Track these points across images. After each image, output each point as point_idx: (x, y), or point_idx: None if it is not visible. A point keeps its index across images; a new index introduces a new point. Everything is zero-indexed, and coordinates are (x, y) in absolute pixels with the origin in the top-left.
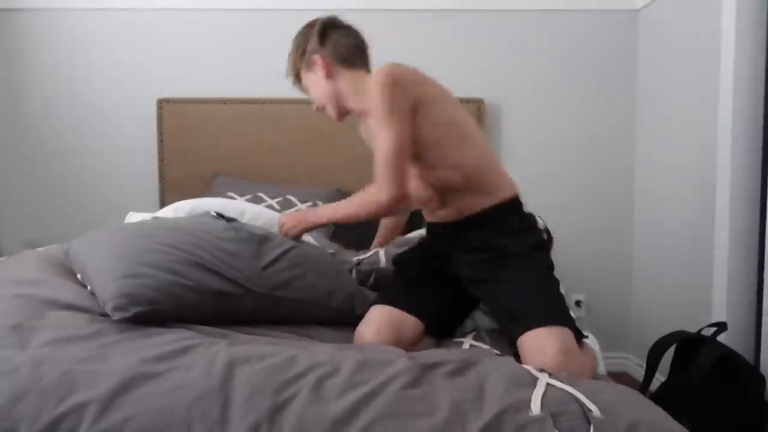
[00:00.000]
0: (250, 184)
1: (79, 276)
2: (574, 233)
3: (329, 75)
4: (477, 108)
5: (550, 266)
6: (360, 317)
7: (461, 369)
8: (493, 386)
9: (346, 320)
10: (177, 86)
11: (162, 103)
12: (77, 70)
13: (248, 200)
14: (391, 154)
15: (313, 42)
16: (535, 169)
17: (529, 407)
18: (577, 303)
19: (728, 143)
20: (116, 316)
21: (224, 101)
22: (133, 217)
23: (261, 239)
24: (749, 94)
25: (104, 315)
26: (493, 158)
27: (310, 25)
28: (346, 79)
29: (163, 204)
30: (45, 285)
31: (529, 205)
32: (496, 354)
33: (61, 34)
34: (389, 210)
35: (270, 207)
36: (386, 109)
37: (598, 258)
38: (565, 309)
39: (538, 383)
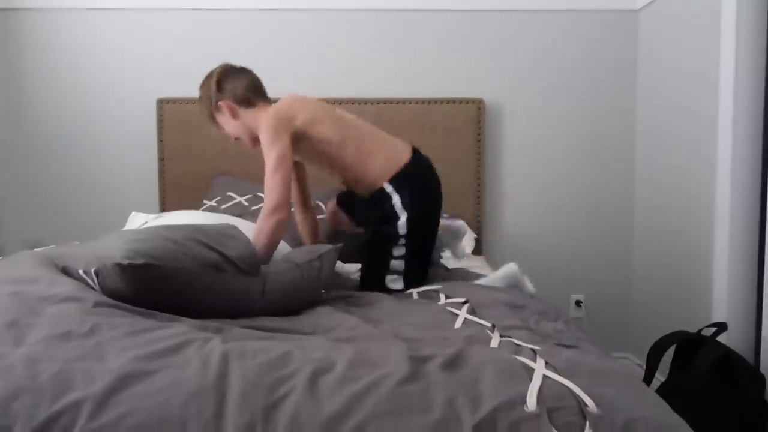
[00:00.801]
0: (251, 185)
1: (81, 271)
2: (574, 233)
3: (234, 117)
4: (477, 108)
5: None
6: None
7: (454, 361)
8: (488, 381)
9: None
10: (177, 86)
11: (162, 103)
12: (77, 70)
13: (248, 200)
14: (272, 172)
15: (213, 91)
16: (535, 168)
17: (525, 402)
18: (577, 303)
19: (728, 143)
20: (126, 261)
21: None
22: (137, 218)
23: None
24: (749, 94)
25: (99, 306)
26: (366, 157)
27: (209, 76)
28: (248, 116)
29: (163, 204)
30: (41, 282)
31: (529, 205)
32: (488, 329)
33: (61, 34)
34: (279, 215)
35: None
36: (269, 140)
37: (598, 258)
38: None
39: (534, 375)
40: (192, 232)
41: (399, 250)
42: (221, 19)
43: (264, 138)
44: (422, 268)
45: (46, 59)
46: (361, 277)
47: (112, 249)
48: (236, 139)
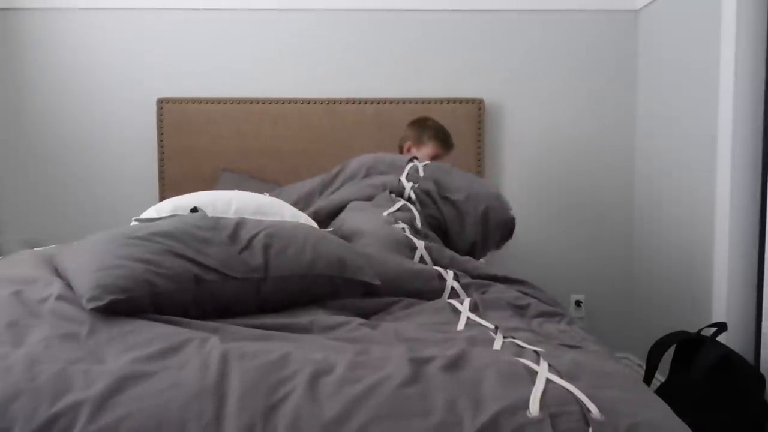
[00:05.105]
0: (259, 182)
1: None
2: (575, 233)
3: None
4: (477, 108)
5: None
6: (354, 281)
7: (456, 362)
8: (490, 384)
9: (339, 288)
10: (177, 86)
11: (162, 103)
12: (77, 70)
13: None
14: None
15: None
16: (535, 169)
17: (528, 408)
18: (577, 303)
19: (728, 143)
20: (90, 305)
21: (224, 101)
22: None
23: (235, 225)
24: (749, 93)
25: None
26: None
27: None
28: None
29: None
30: (40, 282)
31: (529, 205)
32: (491, 330)
33: (61, 34)
34: None
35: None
36: None
37: (598, 258)
38: None
39: (537, 379)
40: (166, 241)
41: None
42: (221, 19)
43: None
44: None
45: (47, 59)
46: None
47: (82, 281)
48: None
